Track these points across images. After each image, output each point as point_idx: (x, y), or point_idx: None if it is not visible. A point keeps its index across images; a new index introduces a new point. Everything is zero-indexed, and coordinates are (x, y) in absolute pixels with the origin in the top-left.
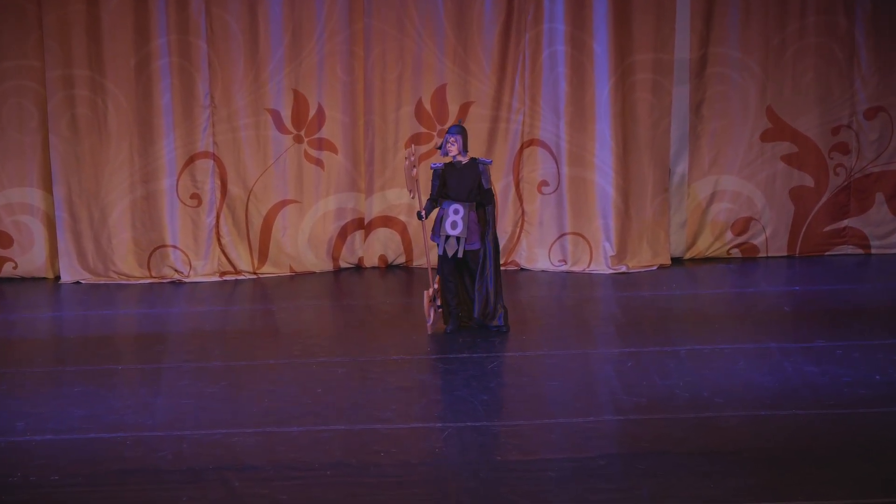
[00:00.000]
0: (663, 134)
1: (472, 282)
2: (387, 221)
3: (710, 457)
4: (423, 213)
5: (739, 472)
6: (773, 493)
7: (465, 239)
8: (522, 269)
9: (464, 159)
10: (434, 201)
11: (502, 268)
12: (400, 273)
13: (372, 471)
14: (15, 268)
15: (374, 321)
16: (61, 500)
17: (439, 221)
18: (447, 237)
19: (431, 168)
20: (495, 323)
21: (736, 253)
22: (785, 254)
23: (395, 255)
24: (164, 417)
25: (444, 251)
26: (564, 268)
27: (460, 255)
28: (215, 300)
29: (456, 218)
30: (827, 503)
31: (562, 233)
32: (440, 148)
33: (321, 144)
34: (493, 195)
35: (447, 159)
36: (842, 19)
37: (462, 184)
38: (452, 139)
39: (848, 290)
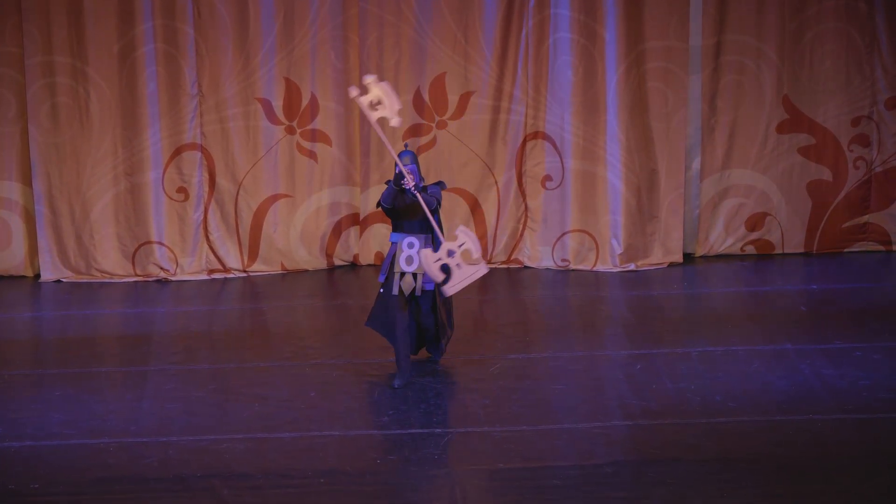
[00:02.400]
0: (678, 126)
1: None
2: (383, 217)
3: (724, 464)
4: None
5: (754, 480)
6: (791, 502)
7: (423, 275)
8: (526, 268)
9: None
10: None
11: (505, 265)
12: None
13: (368, 479)
14: None
15: None
16: None
17: (391, 258)
18: (402, 274)
19: (387, 183)
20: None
21: (750, 250)
22: (801, 251)
23: None
24: (150, 423)
25: (400, 290)
26: (570, 266)
27: (418, 292)
28: (203, 299)
29: (411, 252)
30: None
31: (566, 230)
32: (395, 178)
33: (314, 136)
34: (433, 198)
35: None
36: (861, 3)
37: (416, 214)
38: (408, 171)
39: (868, 288)
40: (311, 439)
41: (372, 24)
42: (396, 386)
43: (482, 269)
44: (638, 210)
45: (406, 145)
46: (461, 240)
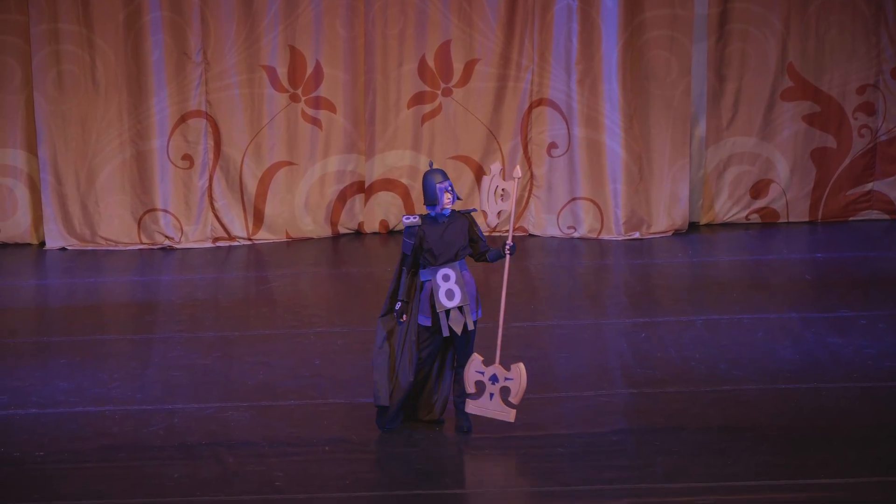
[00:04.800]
0: (683, 94)
1: (443, 363)
2: (388, 185)
3: (728, 433)
4: (400, 312)
5: (759, 448)
6: (795, 471)
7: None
8: (531, 236)
9: (447, 211)
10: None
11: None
12: (401, 239)
13: (372, 446)
14: None
15: (374, 289)
16: (46, 476)
17: (427, 298)
18: (447, 311)
19: (405, 224)
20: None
21: (755, 218)
22: (806, 219)
23: (397, 220)
24: (154, 390)
25: (451, 330)
26: (575, 234)
27: (471, 326)
28: (208, 267)
29: (449, 285)
30: (851, 481)
31: (572, 197)
32: (430, 207)
33: (319, 103)
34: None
35: (422, 211)
36: None
37: (449, 242)
38: (447, 186)
39: (873, 257)
40: (315, 407)
41: None
42: (387, 428)
43: (508, 417)
44: (641, 178)
45: (431, 164)
46: (513, 374)
